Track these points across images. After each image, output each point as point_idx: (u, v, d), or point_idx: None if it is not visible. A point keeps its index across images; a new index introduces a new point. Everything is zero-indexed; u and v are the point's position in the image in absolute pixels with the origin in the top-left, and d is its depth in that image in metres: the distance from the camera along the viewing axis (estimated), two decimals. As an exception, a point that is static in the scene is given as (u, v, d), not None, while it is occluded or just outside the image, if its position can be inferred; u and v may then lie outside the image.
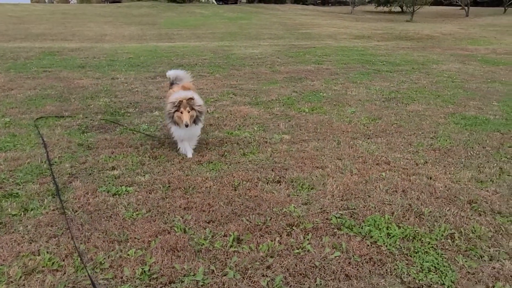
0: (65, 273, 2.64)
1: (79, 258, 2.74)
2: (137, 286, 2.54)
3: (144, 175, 4.14)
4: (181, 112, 4.28)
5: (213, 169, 4.33)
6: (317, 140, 5.31)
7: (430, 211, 3.47)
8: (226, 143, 5.18)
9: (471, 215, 3.42)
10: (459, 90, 8.31)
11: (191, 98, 4.34)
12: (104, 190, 3.79)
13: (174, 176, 4.12)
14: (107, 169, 4.27)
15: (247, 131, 5.65)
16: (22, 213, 3.36)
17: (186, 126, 4.27)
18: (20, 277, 2.59)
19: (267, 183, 4.03)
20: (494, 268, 2.75)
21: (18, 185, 3.85)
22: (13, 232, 3.09)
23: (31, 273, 2.62)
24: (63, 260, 2.75)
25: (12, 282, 2.55)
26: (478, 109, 6.87)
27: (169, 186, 3.91)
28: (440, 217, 3.39)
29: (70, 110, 6.64)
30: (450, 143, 5.20)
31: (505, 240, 3.06)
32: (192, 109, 4.34)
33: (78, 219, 3.28)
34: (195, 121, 4.43)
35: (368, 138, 5.39)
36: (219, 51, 14.47)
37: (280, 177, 4.15)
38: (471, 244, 3.02)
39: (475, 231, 3.17)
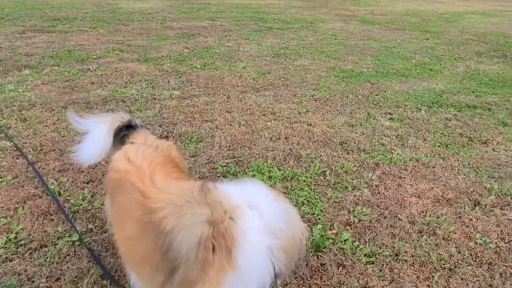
0: None
1: None
2: (1, 256, 2.30)
3: (10, 140, 3.65)
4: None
5: (94, 129, 4.03)
6: (207, 95, 5.29)
7: (308, 154, 3.79)
8: (110, 101, 4.84)
9: (341, 154, 3.84)
10: (340, 47, 9.00)
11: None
12: (-44, 159, 3.26)
13: (47, 138, 3.73)
14: (-40, 136, 3.66)
15: (134, 88, 5.34)
16: None
17: None
18: None
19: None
20: (355, 196, 3.17)
21: None
22: None
23: None
24: None
25: None
26: (355, 63, 7.57)
27: (41, 149, 3.53)
28: (315, 158, 3.73)
29: None
30: (329, 93, 5.67)
31: (366, 172, 3.53)
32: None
33: None
34: None
35: (257, 92, 5.56)
36: (103, 4, 13.09)
37: (168, 132, 4.07)
38: (339, 178, 3.41)
39: (343, 167, 3.59)
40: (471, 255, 2.59)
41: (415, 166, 3.70)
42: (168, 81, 5.76)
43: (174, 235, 1.48)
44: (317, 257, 2.48)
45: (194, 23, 10.78)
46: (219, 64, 6.84)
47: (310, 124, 4.51)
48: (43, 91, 5.03)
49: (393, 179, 3.46)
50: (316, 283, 2.28)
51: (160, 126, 4.21)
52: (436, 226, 2.84)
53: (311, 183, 3.31)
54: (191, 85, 5.64)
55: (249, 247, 1.49)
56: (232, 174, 3.35)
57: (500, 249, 2.66)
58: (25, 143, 3.61)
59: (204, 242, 1.44)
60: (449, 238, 2.74)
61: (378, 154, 3.89)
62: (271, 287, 1.84)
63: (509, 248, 2.67)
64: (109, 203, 1.89)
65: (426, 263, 2.48)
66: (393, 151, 4.00)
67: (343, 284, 2.28)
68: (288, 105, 5.10)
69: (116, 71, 6.07)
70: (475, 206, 3.14)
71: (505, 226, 2.90)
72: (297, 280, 2.28)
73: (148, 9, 12.76)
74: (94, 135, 2.05)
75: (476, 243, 2.71)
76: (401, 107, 5.29)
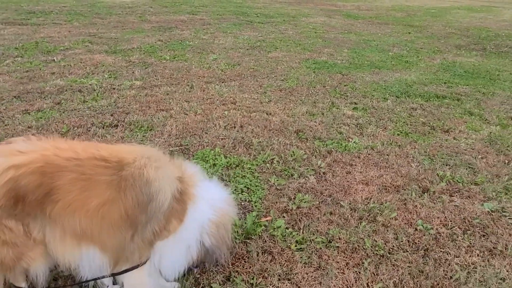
0: None
1: None
2: None
3: None
4: None
5: (42, 117, 3.90)
6: (169, 85, 5.16)
7: (259, 142, 3.68)
8: (67, 91, 4.70)
9: (295, 142, 3.73)
10: (319, 40, 8.89)
11: None
12: None
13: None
14: None
15: (95, 79, 5.21)
16: None
17: None
18: None
19: (103, 127, 3.80)
20: (300, 183, 3.06)
21: None
22: None
23: None
24: None
25: None
26: (330, 55, 7.46)
27: (-22, 138, 3.40)
28: (267, 146, 3.62)
29: None
30: (297, 84, 5.56)
31: (316, 159, 3.42)
32: None
33: None
34: None
35: (222, 82, 5.44)
36: (84, -2, 12.92)
37: (118, 121, 3.95)
38: (286, 165, 3.30)
39: (293, 154, 3.47)
40: (408, 241, 2.49)
41: (368, 154, 3.60)
42: (133, 72, 5.62)
43: (157, 185, 1.67)
44: (246, 244, 2.37)
45: (173, 17, 10.63)
46: (189, 56, 6.71)
47: (269, 113, 4.40)
48: (-2, 81, 4.89)
49: (343, 166, 3.35)
50: (237, 271, 2.16)
51: (111, 115, 4.08)
52: (378, 213, 2.74)
53: (255, 170, 3.19)
54: (155, 76, 5.51)
55: (196, 210, 1.82)
56: (174, 161, 3.23)
57: (440, 235, 2.56)
58: (-36, 131, 3.48)
59: (175, 195, 1.74)
60: (389, 224, 2.63)
61: (333, 142, 3.78)
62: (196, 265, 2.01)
63: (449, 234, 2.58)
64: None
65: (359, 250, 2.38)
66: (350, 139, 3.89)
67: (265, 271, 2.17)
68: (252, 95, 4.98)
69: (81, 62, 5.93)
70: (423, 193, 3.04)
71: (450, 212, 2.80)
72: (217, 268, 2.16)
73: (129, 3, 12.60)
74: None
75: (416, 229, 2.61)
76: (367, 97, 5.19)
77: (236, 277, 2.11)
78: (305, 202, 2.81)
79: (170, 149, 3.44)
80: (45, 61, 5.90)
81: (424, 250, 2.42)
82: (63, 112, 4.06)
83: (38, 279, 1.76)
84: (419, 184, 3.15)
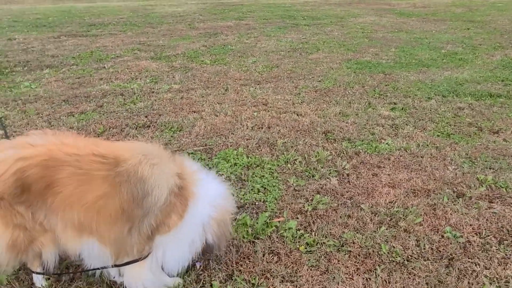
0: None
1: None
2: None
3: (2, 129, 3.91)
4: None
5: (83, 119, 4.19)
6: (205, 88, 5.28)
7: (284, 142, 3.61)
8: (110, 94, 5.01)
9: (321, 143, 3.61)
10: (365, 40, 8.58)
11: None
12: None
13: (37, 128, 3.93)
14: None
15: (137, 83, 5.50)
16: None
17: None
18: None
19: (136, 128, 3.98)
20: (320, 184, 2.94)
21: None
22: None
23: None
24: None
25: None
26: (375, 55, 7.15)
27: (27, 137, 3.73)
28: (291, 146, 3.54)
29: None
30: (333, 84, 5.40)
31: (341, 160, 3.28)
32: None
33: None
34: None
35: (258, 84, 5.45)
36: (140, 10, 13.77)
37: (151, 122, 4.11)
38: (309, 166, 3.20)
39: (317, 155, 3.36)
40: (431, 249, 2.28)
41: (400, 156, 3.37)
42: (173, 76, 5.85)
43: (152, 182, 1.71)
44: (253, 244, 2.32)
45: (220, 23, 10.92)
46: (229, 60, 6.83)
47: (300, 114, 4.31)
48: (53, 86, 5.35)
49: (369, 168, 3.17)
50: (240, 270, 2.13)
51: (146, 116, 4.27)
52: (401, 218, 2.54)
53: (275, 170, 3.14)
54: (193, 80, 5.67)
55: (197, 207, 1.84)
56: (197, 161, 3.28)
57: (470, 244, 2.31)
58: (15, 131, 3.85)
59: (174, 190, 1.76)
60: (412, 230, 2.43)
61: (363, 143, 3.60)
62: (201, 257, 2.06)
63: (482, 244, 2.31)
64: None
65: (373, 255, 2.22)
66: (382, 140, 3.68)
67: (269, 272, 2.11)
68: (285, 96, 4.93)
69: (127, 68, 6.29)
70: (457, 198, 2.77)
71: (486, 219, 2.52)
72: (220, 265, 2.15)
73: (181, 12, 13.17)
74: None
75: (442, 236, 2.38)
76: (409, 96, 4.89)
77: (238, 276, 2.08)
78: (322, 204, 2.70)
79: (194, 148, 3.50)
80: (96, 68, 6.36)
81: (449, 260, 2.20)
82: (103, 114, 4.32)
83: (49, 264, 1.88)
84: (454, 188, 2.88)
